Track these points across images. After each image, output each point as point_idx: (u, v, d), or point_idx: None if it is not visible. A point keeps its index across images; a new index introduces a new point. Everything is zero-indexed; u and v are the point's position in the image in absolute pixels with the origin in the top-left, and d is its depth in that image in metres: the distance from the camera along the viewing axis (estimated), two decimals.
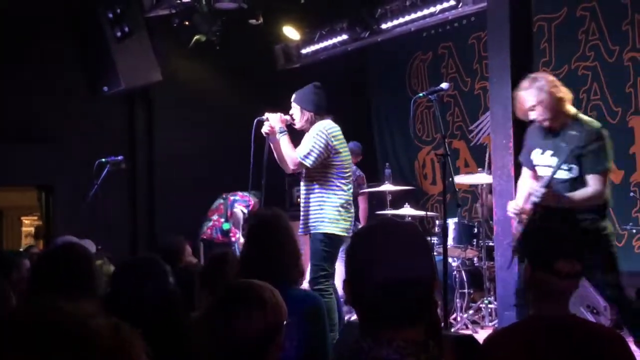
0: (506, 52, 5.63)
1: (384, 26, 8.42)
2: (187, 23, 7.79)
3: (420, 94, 4.73)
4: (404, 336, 1.66)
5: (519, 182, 4.88)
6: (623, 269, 7.14)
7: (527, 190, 4.68)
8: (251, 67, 9.25)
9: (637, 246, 7.20)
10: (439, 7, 7.88)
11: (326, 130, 5.19)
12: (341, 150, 5.28)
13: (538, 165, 4.67)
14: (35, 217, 11.12)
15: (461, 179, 7.49)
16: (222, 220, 7.90)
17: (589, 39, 7.80)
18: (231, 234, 7.90)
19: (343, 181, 5.26)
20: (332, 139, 5.20)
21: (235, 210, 8.02)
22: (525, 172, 4.85)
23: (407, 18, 8.17)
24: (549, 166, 4.57)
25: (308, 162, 5.16)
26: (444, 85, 4.65)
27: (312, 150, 5.15)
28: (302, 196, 5.38)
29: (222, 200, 8.09)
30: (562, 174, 4.54)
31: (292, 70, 9.46)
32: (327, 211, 5.18)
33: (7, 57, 7.95)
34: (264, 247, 3.07)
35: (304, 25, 9.13)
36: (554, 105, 4.51)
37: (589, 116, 7.66)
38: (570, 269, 2.52)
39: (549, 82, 4.55)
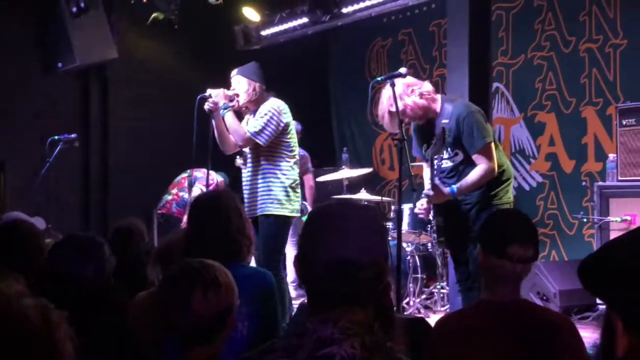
0: (465, 40, 5.66)
1: (344, 10, 8.41)
2: (144, 0, 7.67)
3: (379, 79, 4.70)
4: (350, 317, 1.66)
5: (423, 175, 4.91)
6: (574, 257, 7.32)
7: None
8: (210, 47, 9.15)
9: (588, 235, 7.33)
10: None
11: (278, 107, 5.11)
12: (291, 129, 5.21)
13: (428, 160, 4.70)
14: None
15: (417, 165, 7.53)
16: (181, 194, 7.71)
17: (545, 28, 7.88)
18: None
19: (290, 161, 5.18)
20: (284, 116, 5.13)
21: (194, 188, 7.57)
22: (424, 165, 4.89)
23: (368, 3, 8.17)
24: (431, 160, 4.61)
25: (261, 140, 5.03)
26: (402, 70, 4.64)
27: (265, 127, 5.03)
28: (247, 177, 5.24)
29: (185, 175, 7.74)
30: (448, 163, 4.58)
31: (251, 52, 9.38)
32: (276, 192, 5.08)
33: None
34: (206, 228, 3.04)
35: (264, 7, 9.05)
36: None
37: (544, 105, 7.86)
38: (522, 254, 2.54)
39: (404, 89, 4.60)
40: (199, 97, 5.18)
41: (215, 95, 5.11)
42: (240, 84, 5.21)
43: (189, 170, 7.78)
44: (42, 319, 1.52)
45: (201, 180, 7.57)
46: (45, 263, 2.77)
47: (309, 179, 8.11)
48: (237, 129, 5.10)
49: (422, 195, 4.59)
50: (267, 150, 5.13)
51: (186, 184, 7.59)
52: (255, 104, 5.20)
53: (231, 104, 5.15)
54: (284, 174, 5.13)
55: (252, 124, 5.11)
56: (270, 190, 5.09)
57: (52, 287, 2.49)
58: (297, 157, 5.30)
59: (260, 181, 5.14)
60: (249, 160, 5.24)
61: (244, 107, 5.27)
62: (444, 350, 2.56)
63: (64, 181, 8.18)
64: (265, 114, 5.06)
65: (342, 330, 1.63)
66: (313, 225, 1.77)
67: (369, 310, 1.71)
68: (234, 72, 5.30)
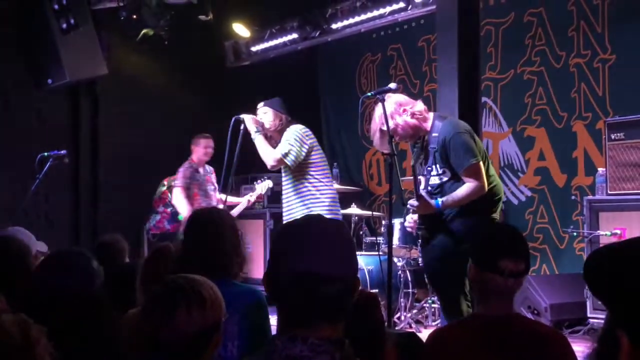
0: (454, 56, 5.68)
1: (334, 26, 8.46)
2: (134, 17, 7.68)
3: (369, 94, 4.73)
4: (319, 334, 1.64)
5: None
6: (565, 271, 7.33)
7: None
8: (200, 63, 9.17)
9: (578, 248, 7.34)
10: (388, 9, 7.95)
11: (301, 131, 5.37)
12: (317, 148, 5.47)
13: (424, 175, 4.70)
14: None
15: (407, 179, 7.53)
16: (169, 210, 7.67)
17: (535, 44, 7.93)
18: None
19: (325, 179, 5.41)
20: (307, 138, 5.38)
21: (174, 190, 7.42)
22: (421, 179, 4.89)
23: (357, 19, 8.23)
24: (424, 175, 4.63)
25: (289, 160, 5.27)
26: (392, 85, 4.65)
27: (291, 149, 5.27)
28: (286, 201, 5.47)
29: (164, 188, 7.76)
30: (435, 180, 4.57)
31: (241, 68, 9.41)
32: (317, 211, 5.22)
33: None
34: (201, 242, 3.04)
35: (254, 23, 9.09)
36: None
37: (534, 120, 7.90)
38: (514, 268, 2.54)
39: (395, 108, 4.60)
40: (233, 118, 5.44)
41: (247, 119, 5.39)
42: (267, 115, 5.49)
43: (164, 181, 7.75)
44: (21, 334, 1.51)
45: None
46: (33, 278, 2.75)
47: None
48: (268, 151, 5.35)
49: (408, 206, 4.59)
50: (299, 172, 5.38)
51: (170, 197, 7.54)
52: (281, 133, 5.45)
53: (261, 129, 5.43)
54: (323, 193, 5.38)
55: (279, 147, 5.36)
56: (311, 211, 5.27)
57: (40, 303, 2.47)
58: (330, 175, 5.54)
59: (299, 204, 5.37)
60: (283, 185, 5.50)
61: (269, 135, 5.51)
62: None
63: (53, 197, 8.16)
64: (291, 138, 5.32)
65: (312, 347, 1.61)
66: (279, 241, 1.76)
67: (338, 326, 1.69)
68: (261, 104, 5.57)
